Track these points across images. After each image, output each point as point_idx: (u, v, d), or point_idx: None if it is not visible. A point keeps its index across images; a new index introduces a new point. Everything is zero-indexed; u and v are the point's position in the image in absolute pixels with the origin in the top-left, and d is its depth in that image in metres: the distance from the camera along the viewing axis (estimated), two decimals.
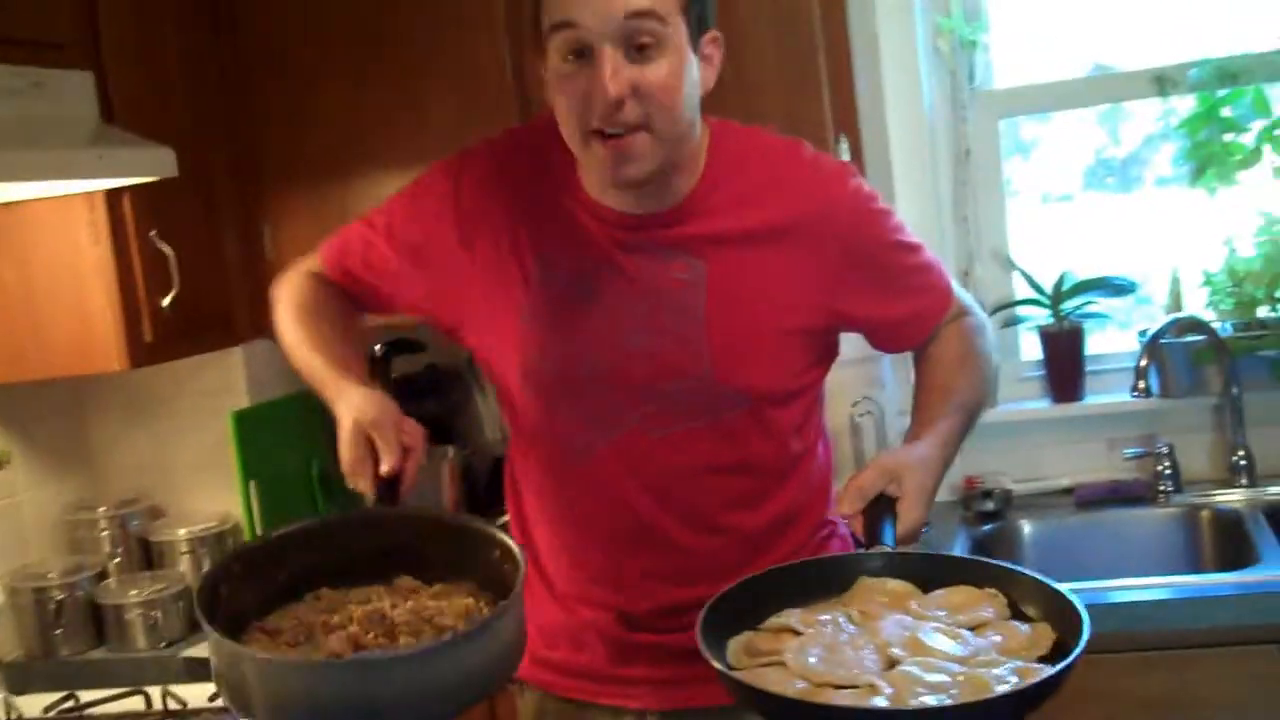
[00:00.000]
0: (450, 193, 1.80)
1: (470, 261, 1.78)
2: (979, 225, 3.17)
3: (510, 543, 1.57)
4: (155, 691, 2.42)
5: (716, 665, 1.38)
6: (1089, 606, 1.41)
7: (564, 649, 1.88)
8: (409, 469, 1.59)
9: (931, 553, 1.73)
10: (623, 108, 1.59)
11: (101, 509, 3.03)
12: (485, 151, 1.83)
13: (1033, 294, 3.16)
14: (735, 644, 1.46)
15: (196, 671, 2.69)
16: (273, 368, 3.12)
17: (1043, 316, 3.15)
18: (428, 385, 3.21)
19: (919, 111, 3.13)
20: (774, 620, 1.48)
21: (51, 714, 2.41)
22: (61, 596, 2.84)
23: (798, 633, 1.44)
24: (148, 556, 3.04)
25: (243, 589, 1.52)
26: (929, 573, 1.54)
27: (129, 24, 2.66)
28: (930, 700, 1.30)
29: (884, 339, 1.88)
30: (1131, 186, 3.28)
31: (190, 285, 2.73)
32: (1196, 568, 2.88)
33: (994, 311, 3.08)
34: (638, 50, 1.59)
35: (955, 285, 1.87)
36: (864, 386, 3.06)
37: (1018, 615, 1.48)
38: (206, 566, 2.97)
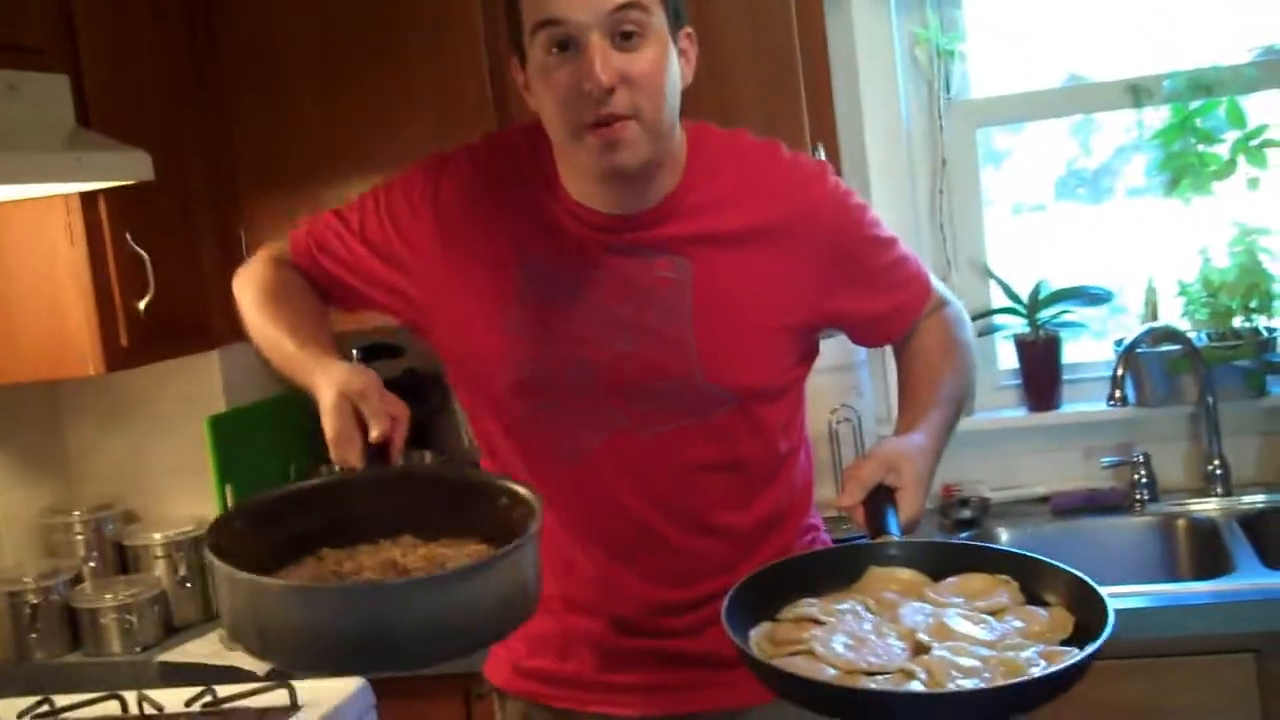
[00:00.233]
0: (430, 194, 1.78)
1: (449, 263, 1.77)
2: (955, 234, 3.18)
3: (518, 487, 1.54)
4: (131, 696, 2.40)
5: (752, 654, 1.37)
6: None
7: (550, 657, 1.87)
8: (397, 437, 1.56)
9: (939, 541, 1.71)
10: (613, 96, 1.59)
11: (77, 513, 3.02)
12: (465, 155, 1.81)
13: (1009, 303, 3.16)
14: (757, 634, 1.44)
15: (172, 676, 2.68)
16: (249, 372, 3.12)
17: (1019, 325, 3.16)
18: (406, 390, 3.15)
19: (896, 121, 3.15)
20: (793, 610, 1.47)
21: (26, 719, 2.39)
22: (36, 600, 2.83)
23: (819, 622, 1.43)
24: (123, 561, 3.03)
25: (243, 545, 1.45)
26: (938, 561, 1.54)
27: (106, 28, 2.66)
28: (967, 684, 1.30)
29: (865, 333, 1.88)
30: (1103, 197, 3.30)
31: (166, 289, 2.72)
32: (1172, 576, 2.88)
33: (971, 320, 3.08)
34: (623, 38, 1.59)
35: (932, 276, 1.89)
36: (842, 394, 3.07)
37: (1031, 600, 1.48)
38: (182, 571, 2.97)
